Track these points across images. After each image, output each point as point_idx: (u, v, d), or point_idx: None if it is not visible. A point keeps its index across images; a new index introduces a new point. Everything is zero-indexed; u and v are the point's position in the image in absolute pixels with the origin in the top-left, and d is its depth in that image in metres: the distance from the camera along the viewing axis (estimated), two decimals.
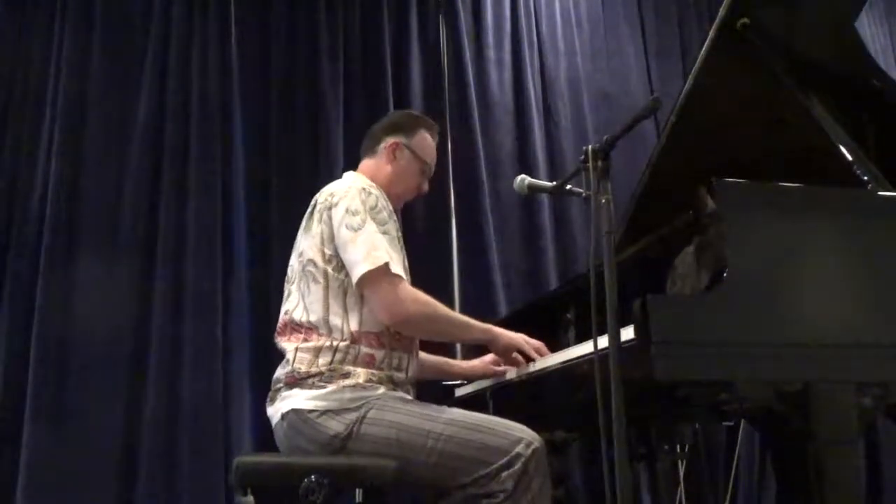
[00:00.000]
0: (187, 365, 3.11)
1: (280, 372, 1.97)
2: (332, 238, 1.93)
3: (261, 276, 3.28)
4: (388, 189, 2.07)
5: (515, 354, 2.07)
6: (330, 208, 1.95)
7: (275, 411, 1.94)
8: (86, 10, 3.47)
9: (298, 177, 3.43)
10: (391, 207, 2.01)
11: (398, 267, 1.90)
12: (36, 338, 3.04)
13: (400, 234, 2.01)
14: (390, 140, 2.15)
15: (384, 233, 1.91)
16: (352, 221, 1.90)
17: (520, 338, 2.06)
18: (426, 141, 2.19)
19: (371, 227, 1.90)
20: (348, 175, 2.15)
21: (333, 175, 3.37)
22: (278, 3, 3.64)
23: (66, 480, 2.93)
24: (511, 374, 2.11)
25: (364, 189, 1.97)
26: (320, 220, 1.96)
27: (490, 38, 3.86)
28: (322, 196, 2.01)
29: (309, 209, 2.04)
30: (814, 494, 1.55)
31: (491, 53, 3.84)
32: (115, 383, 3.08)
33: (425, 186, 2.22)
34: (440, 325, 2.01)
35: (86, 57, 3.41)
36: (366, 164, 2.18)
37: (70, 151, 3.28)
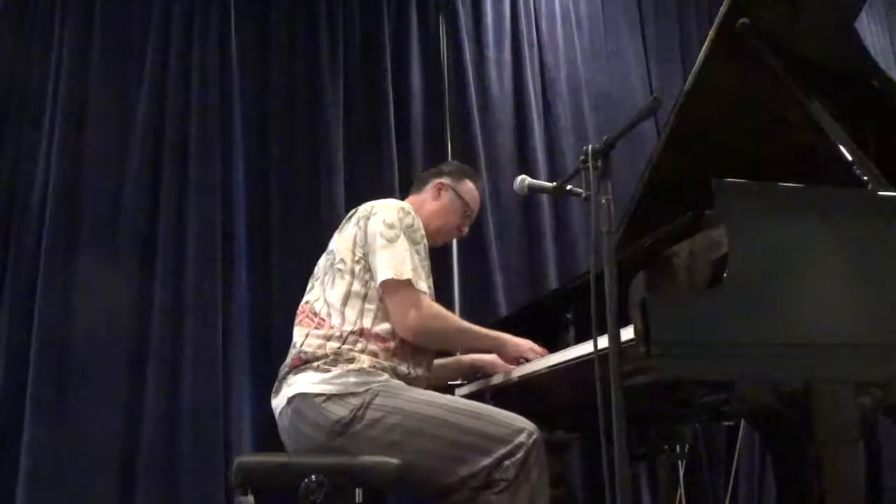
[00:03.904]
0: (187, 365, 3.10)
1: (287, 358, 2.03)
2: (364, 242, 2.04)
3: (261, 277, 3.28)
4: (428, 222, 2.19)
5: (521, 361, 2.11)
6: (368, 218, 2.08)
7: (280, 399, 1.98)
8: (86, 11, 3.46)
9: (298, 177, 3.43)
10: (424, 233, 2.11)
11: (423, 284, 1.99)
12: (36, 338, 3.04)
13: (428, 260, 2.11)
14: (437, 181, 2.33)
15: (416, 252, 2.02)
16: (387, 232, 2.02)
17: (527, 345, 2.11)
18: (470, 187, 2.35)
19: (404, 242, 2.01)
20: (391, 200, 2.26)
21: (333, 175, 3.40)
22: (278, 3, 3.63)
23: (66, 480, 2.92)
24: (511, 373, 2.11)
25: (403, 208, 2.10)
26: (356, 225, 2.09)
27: (490, 38, 3.86)
28: (362, 208, 2.15)
29: (347, 216, 2.18)
30: (814, 495, 1.55)
31: (491, 53, 3.84)
32: (115, 383, 3.07)
33: (465, 229, 2.37)
34: (453, 337, 2.13)
35: (86, 57, 3.40)
36: (410, 198, 2.34)
37: (70, 151, 3.27)
